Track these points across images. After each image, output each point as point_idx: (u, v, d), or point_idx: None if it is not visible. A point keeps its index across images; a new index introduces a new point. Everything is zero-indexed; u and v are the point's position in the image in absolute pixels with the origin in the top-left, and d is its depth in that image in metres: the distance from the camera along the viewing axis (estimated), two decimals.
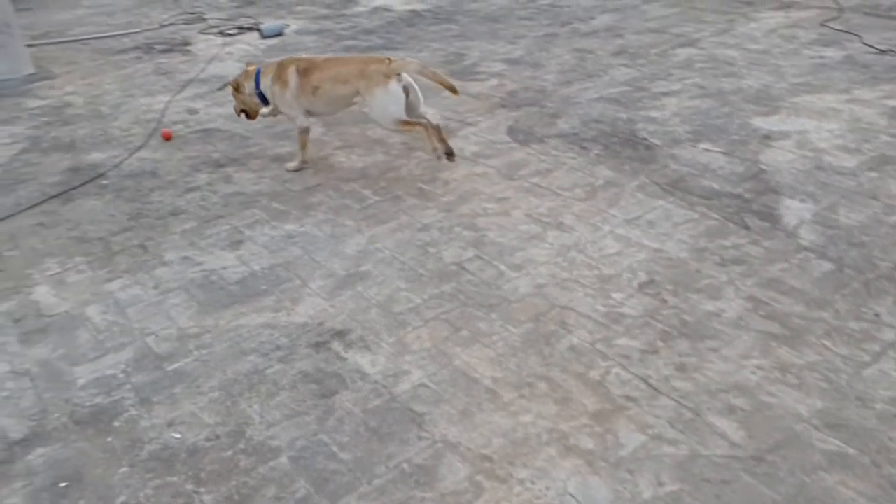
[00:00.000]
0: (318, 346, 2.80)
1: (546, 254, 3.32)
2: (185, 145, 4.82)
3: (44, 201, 4.15)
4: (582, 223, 3.56)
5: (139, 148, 4.80)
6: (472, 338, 2.79)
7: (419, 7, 8.44)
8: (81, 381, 2.67)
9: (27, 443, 2.41)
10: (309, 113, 4.25)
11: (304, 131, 4.31)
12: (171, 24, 8.22)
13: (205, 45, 7.32)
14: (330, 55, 5.60)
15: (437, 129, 4.01)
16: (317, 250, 3.48)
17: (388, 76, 3.84)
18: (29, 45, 6.96)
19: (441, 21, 7.74)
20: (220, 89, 5.78)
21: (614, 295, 2.99)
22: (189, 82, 6.11)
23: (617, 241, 3.38)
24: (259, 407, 2.51)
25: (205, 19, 8.29)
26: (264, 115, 4.47)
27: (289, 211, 3.89)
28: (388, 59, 3.90)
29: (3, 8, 6.31)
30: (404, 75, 3.89)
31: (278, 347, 2.80)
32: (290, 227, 3.72)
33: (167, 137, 4.95)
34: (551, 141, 4.55)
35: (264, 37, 7.36)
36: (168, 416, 2.49)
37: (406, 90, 3.90)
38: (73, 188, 4.28)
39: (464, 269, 3.24)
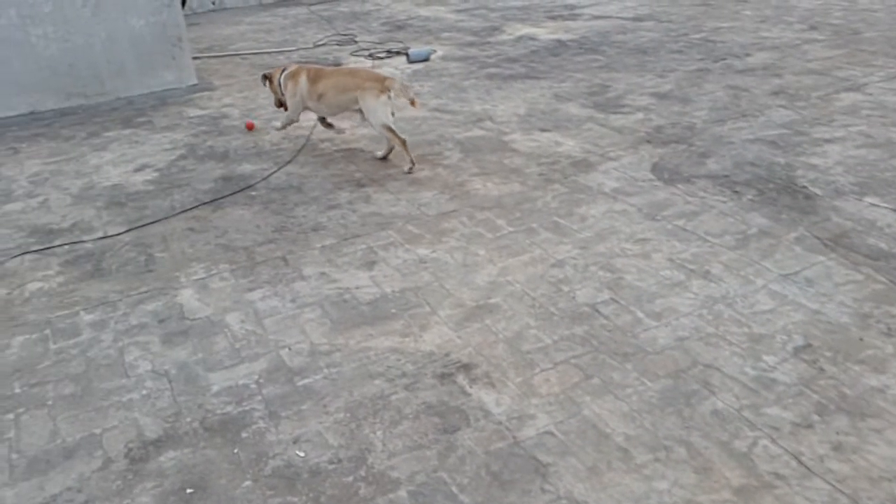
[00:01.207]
0: (443, 377, 2.74)
1: (689, 304, 3.11)
2: (330, 163, 4.97)
3: (195, 207, 4.38)
4: (731, 274, 3.32)
5: (287, 163, 5.00)
6: (604, 387, 2.64)
7: (564, 37, 8.37)
8: (215, 388, 2.76)
9: (160, 444, 2.50)
10: (308, 109, 5.20)
11: (290, 123, 5.34)
12: (324, 45, 8.59)
13: (354, 66, 7.57)
14: (335, 67, 6.28)
15: (403, 143, 4.81)
16: (447, 277, 3.45)
17: (382, 91, 4.69)
18: (195, 58, 7.49)
19: (586, 51, 7.62)
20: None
21: (766, 357, 2.75)
22: None
23: (771, 298, 3.12)
24: (382, 434, 2.48)
25: (356, 41, 8.60)
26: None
27: (422, 235, 3.89)
28: (384, 77, 4.78)
29: (177, 24, 6.83)
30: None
31: (404, 374, 2.77)
32: (422, 251, 3.72)
33: (250, 128, 5.73)
34: (699, 182, 4.32)
35: (411, 61, 7.53)
36: (294, 432, 2.51)
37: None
38: (224, 196, 4.50)
39: (598, 311, 3.10)
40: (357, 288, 3.41)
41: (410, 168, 4.76)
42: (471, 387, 2.68)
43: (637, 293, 3.22)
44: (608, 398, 2.58)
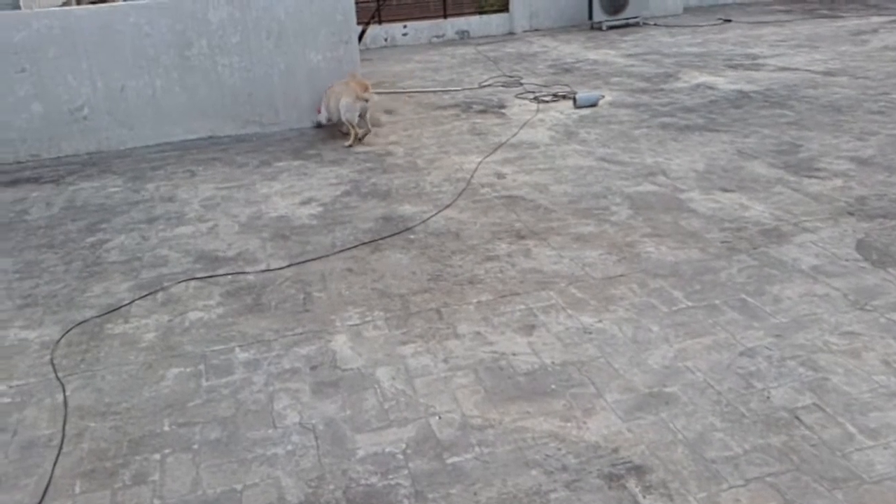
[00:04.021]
0: (611, 478, 2.40)
1: None
2: (489, 210, 4.77)
3: (355, 246, 4.32)
4: None
5: (447, 206, 4.86)
6: None
7: (747, 87, 7.77)
8: (361, 453, 2.58)
9: None
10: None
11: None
12: (490, 86, 8.53)
13: (519, 109, 7.42)
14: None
15: (365, 134, 6.56)
16: (615, 354, 3.10)
17: (358, 98, 6.25)
18: None
19: (772, 105, 7.01)
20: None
21: None
22: (500, 145, 6.16)
23: None
24: None
25: (521, 84, 8.46)
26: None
27: (587, 300, 3.57)
28: (367, 93, 6.36)
29: (353, 60, 7.00)
30: (366, 103, 6.34)
31: (565, 468, 2.46)
32: (586, 319, 3.40)
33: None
34: None
35: (578, 106, 7.26)
36: None
37: (363, 109, 6.40)
38: (383, 238, 4.42)
39: (799, 419, 2.64)
40: (514, 355, 3.14)
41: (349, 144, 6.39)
42: (644, 496, 2.32)
43: (846, 400, 2.72)
44: None
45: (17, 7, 9.69)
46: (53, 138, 6.50)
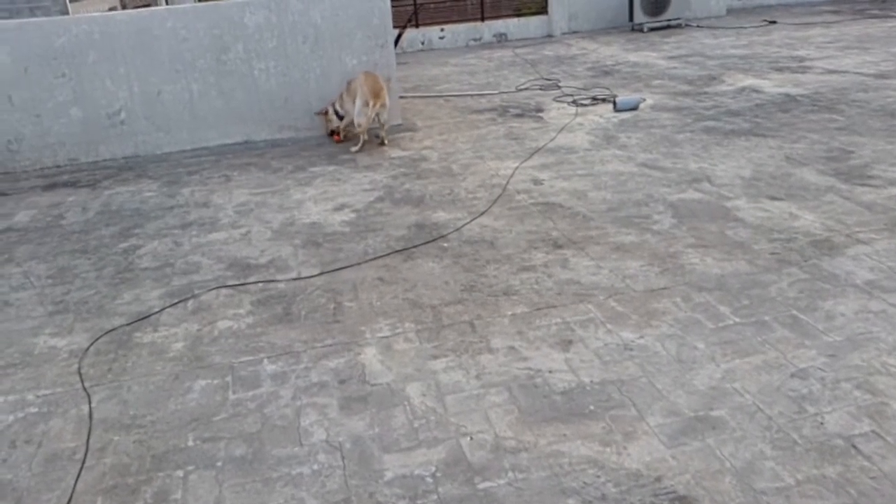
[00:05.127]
0: None
1: None
2: (525, 218, 4.64)
3: (388, 255, 4.23)
4: None
5: (481, 214, 4.74)
6: None
7: (794, 91, 7.50)
8: (389, 475, 2.47)
9: None
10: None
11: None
12: (527, 89, 8.38)
13: (556, 112, 7.27)
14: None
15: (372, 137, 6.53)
16: (658, 373, 2.95)
17: (367, 104, 6.08)
18: (400, 97, 7.56)
19: (821, 109, 6.74)
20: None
21: None
22: (537, 150, 6.02)
23: None
24: None
25: (559, 87, 8.30)
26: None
27: (627, 314, 3.42)
28: (382, 100, 6.12)
29: (388, 64, 6.92)
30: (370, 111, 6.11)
31: (604, 497, 2.32)
32: (627, 334, 3.25)
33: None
34: None
35: (618, 110, 7.08)
36: None
37: (378, 113, 6.23)
38: (416, 246, 4.32)
39: (856, 448, 2.45)
40: (550, 372, 3.01)
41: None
42: None
43: None
44: None
45: (66, 12, 9.86)
46: (91, 142, 6.55)
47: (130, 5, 15.40)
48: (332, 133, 6.79)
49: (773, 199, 4.66)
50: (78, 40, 6.27)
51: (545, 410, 2.76)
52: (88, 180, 6.09)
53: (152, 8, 7.39)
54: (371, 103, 6.06)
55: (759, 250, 3.96)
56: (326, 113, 6.71)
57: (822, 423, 2.59)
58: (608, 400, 2.80)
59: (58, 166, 6.52)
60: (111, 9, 13.92)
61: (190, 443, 2.69)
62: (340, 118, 6.63)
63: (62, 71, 6.31)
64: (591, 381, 2.92)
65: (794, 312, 3.32)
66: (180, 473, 2.53)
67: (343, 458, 2.57)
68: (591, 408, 2.76)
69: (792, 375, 2.87)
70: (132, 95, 6.52)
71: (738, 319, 3.30)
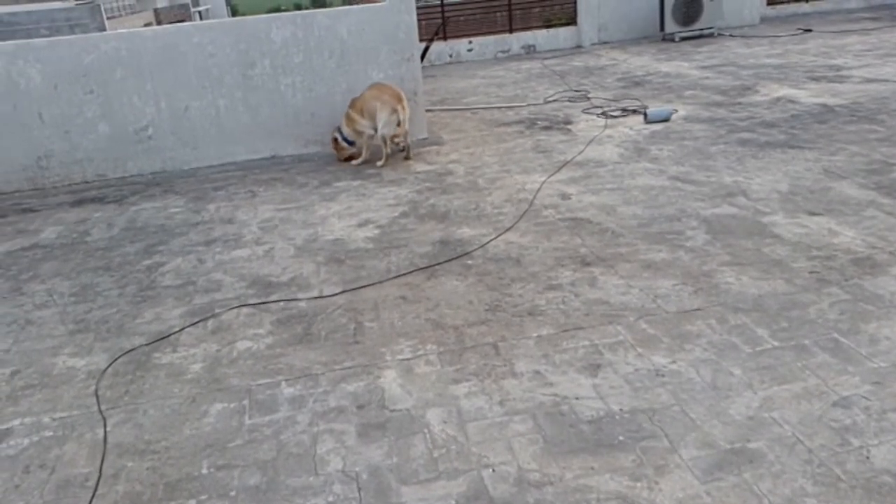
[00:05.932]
0: None
1: None
2: (552, 234, 4.52)
3: (411, 272, 4.13)
4: None
5: (507, 230, 4.63)
6: None
7: (831, 101, 7.27)
8: None
9: None
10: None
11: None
12: (555, 101, 8.26)
13: (585, 125, 7.13)
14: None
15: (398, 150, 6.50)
16: (692, 401, 2.80)
17: (394, 111, 6.03)
18: (427, 111, 7.49)
19: (860, 120, 6.51)
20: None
21: None
22: (565, 164, 5.90)
23: None
24: None
25: (589, 98, 8.17)
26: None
27: (659, 337, 3.27)
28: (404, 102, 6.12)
29: (415, 78, 6.86)
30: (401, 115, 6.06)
31: None
32: (658, 359, 3.10)
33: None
34: None
35: (649, 121, 6.92)
36: None
37: (398, 121, 6.08)
38: (439, 263, 4.22)
39: None
40: (577, 399, 2.88)
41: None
42: None
43: None
44: None
45: (103, 29, 10.02)
46: (119, 158, 6.59)
47: (165, 21, 15.66)
48: (349, 159, 6.55)
49: (812, 214, 4.47)
50: (106, 57, 6.32)
51: (572, 441, 2.64)
52: (115, 196, 6.11)
53: (178, 24, 7.43)
54: (398, 108, 6.00)
55: (798, 269, 3.78)
56: (336, 141, 6.48)
57: (867, 458, 2.42)
58: (638, 430, 2.66)
59: (86, 182, 6.57)
60: (146, 24, 14.15)
61: (204, 470, 2.61)
62: (349, 143, 6.42)
63: (91, 87, 6.37)
64: (621, 410, 2.79)
65: (836, 336, 3.15)
66: (193, 503, 2.45)
67: (359, 489, 2.47)
68: (621, 438, 2.63)
69: (834, 404, 2.70)
70: (159, 111, 6.55)
71: (776, 343, 3.14)
